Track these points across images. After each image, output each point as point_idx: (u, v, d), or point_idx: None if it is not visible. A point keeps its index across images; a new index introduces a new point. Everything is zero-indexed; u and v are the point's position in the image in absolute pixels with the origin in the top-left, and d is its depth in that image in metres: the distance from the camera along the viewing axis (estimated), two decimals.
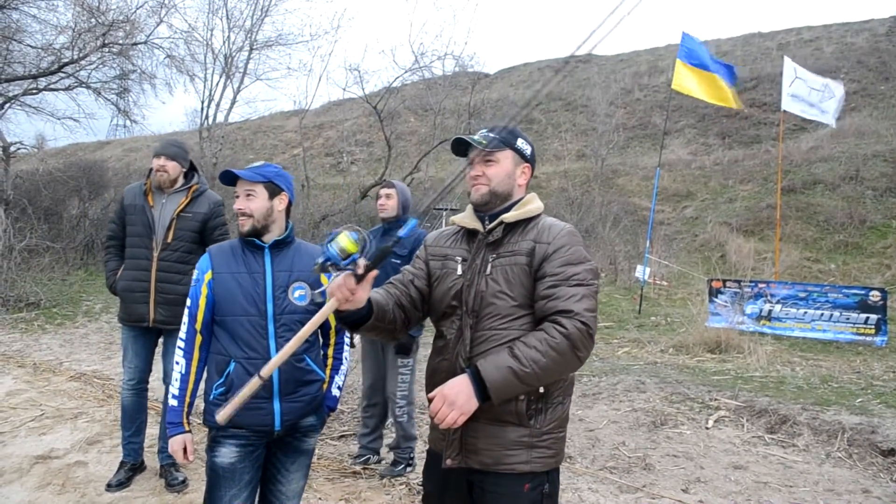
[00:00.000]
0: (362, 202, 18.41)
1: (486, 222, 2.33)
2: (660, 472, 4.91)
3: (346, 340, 3.05)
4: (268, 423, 2.71)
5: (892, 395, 6.65)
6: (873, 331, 9.53)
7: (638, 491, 4.58)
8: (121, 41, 15.54)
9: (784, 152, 16.24)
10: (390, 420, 5.38)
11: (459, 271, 2.33)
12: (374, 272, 2.08)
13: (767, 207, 17.02)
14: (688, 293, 12.97)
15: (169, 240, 4.27)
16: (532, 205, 2.33)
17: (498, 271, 2.23)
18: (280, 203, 2.82)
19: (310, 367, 2.81)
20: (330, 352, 3.01)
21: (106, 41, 14.92)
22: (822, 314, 9.88)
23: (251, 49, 20.40)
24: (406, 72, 19.05)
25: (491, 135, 2.31)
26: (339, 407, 6.04)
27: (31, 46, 14.86)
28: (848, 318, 9.72)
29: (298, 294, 2.77)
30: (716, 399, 6.38)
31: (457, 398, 2.02)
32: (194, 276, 2.80)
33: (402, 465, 4.75)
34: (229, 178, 2.79)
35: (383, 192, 4.82)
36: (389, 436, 5.33)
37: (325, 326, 2.93)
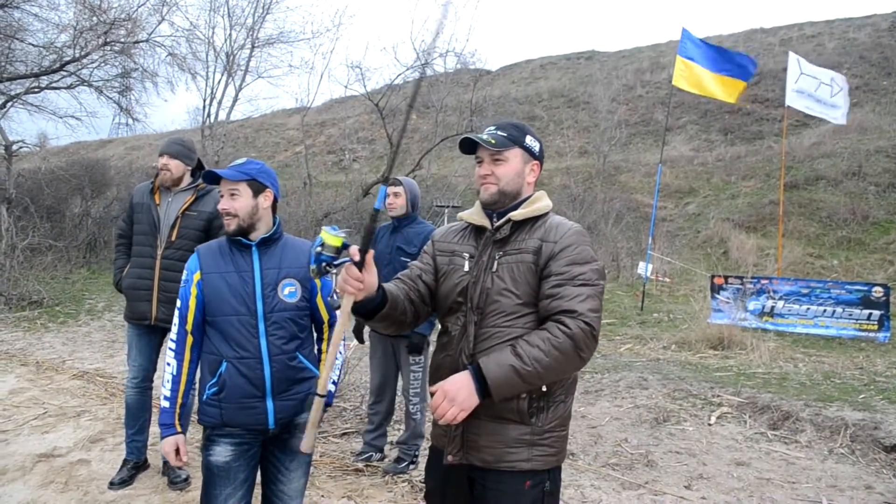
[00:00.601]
0: (364, 199, 18.40)
1: (494, 219, 2.32)
2: (662, 468, 4.91)
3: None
4: (261, 422, 2.70)
5: (895, 391, 6.63)
6: (876, 327, 9.51)
7: (640, 487, 4.58)
8: (122, 39, 15.54)
9: (787, 148, 16.21)
10: (395, 417, 5.40)
11: (466, 268, 2.32)
12: (370, 252, 2.08)
13: (770, 203, 17.00)
14: (690, 290, 12.96)
15: (173, 238, 4.28)
16: (540, 203, 2.31)
17: (504, 269, 2.22)
18: (265, 200, 2.79)
19: (302, 364, 2.80)
20: (324, 347, 2.98)
21: (108, 39, 14.92)
22: (824, 310, 9.87)
23: (253, 47, 20.45)
24: (408, 69, 19.05)
25: (499, 133, 2.30)
26: (342, 405, 6.08)
27: (32, 45, 14.88)
28: (851, 315, 9.71)
29: (288, 291, 2.75)
30: (718, 395, 6.38)
31: (458, 394, 2.01)
32: (183, 277, 2.77)
33: (406, 463, 4.75)
34: (213, 178, 2.78)
35: (391, 189, 4.77)
36: (393, 433, 5.34)
37: (317, 321, 2.92)
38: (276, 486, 2.85)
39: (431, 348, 5.00)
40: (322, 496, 4.30)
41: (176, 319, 2.76)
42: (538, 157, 2.38)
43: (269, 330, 2.70)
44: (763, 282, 10.56)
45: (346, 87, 32.93)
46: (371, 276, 2.10)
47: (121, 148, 32.65)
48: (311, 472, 4.57)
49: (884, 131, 19.73)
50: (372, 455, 4.91)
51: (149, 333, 4.43)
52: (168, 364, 2.77)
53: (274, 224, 2.84)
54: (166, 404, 2.75)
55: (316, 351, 2.96)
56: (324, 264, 2.14)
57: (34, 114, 16.50)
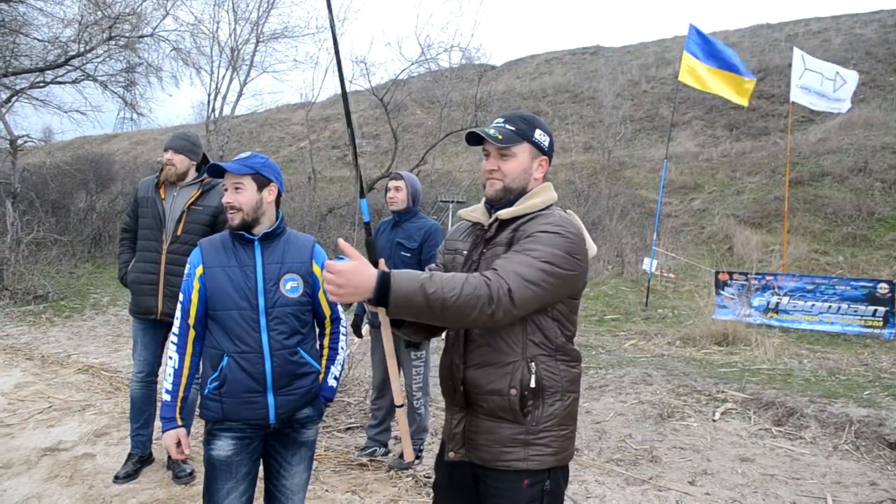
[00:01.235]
0: (369, 194, 18.40)
1: (492, 214, 2.28)
2: (666, 464, 4.91)
3: (343, 330, 3.01)
4: (262, 416, 2.69)
5: None
6: (881, 323, 9.49)
7: (644, 483, 4.58)
8: (127, 34, 15.54)
9: (792, 144, 16.16)
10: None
11: (461, 266, 2.31)
12: (381, 261, 2.09)
13: (775, 199, 16.95)
14: (695, 285, 12.94)
15: (179, 232, 4.29)
16: (537, 199, 2.24)
17: (485, 266, 2.17)
18: (269, 194, 2.79)
19: (304, 359, 2.80)
20: (326, 342, 2.98)
21: (112, 34, 14.91)
22: (829, 306, 9.85)
23: (257, 41, 20.40)
24: (412, 64, 19.03)
25: (507, 126, 2.24)
26: (346, 399, 6.09)
27: (37, 39, 14.88)
28: (856, 311, 9.69)
29: (290, 286, 2.75)
30: (723, 391, 6.38)
31: (354, 278, 1.88)
32: (186, 271, 2.78)
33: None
34: (217, 172, 2.77)
35: (392, 184, 4.78)
36: (397, 428, 5.34)
37: (319, 316, 2.92)
38: (278, 480, 2.85)
39: (432, 344, 5.02)
40: (326, 490, 4.32)
41: (178, 313, 2.76)
42: (547, 152, 2.31)
43: (270, 325, 2.70)
44: (768, 278, 10.54)
45: (350, 81, 32.92)
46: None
47: (125, 143, 32.69)
48: (316, 467, 4.60)
49: (890, 127, 19.64)
50: (376, 450, 4.92)
51: (154, 328, 4.45)
52: (170, 358, 2.77)
53: (277, 218, 2.84)
54: (168, 398, 2.75)
55: (318, 346, 2.95)
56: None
57: (39, 108, 16.54)
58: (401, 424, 2.35)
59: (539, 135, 2.27)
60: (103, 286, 12.37)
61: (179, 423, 2.76)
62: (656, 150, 21.74)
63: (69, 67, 15.26)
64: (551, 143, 2.34)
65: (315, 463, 4.67)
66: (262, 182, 2.76)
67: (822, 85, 12.42)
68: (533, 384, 2.11)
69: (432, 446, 5.13)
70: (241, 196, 2.71)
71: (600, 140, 23.50)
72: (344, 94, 2.40)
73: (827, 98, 12.53)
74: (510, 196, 2.25)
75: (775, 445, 5.27)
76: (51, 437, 5.09)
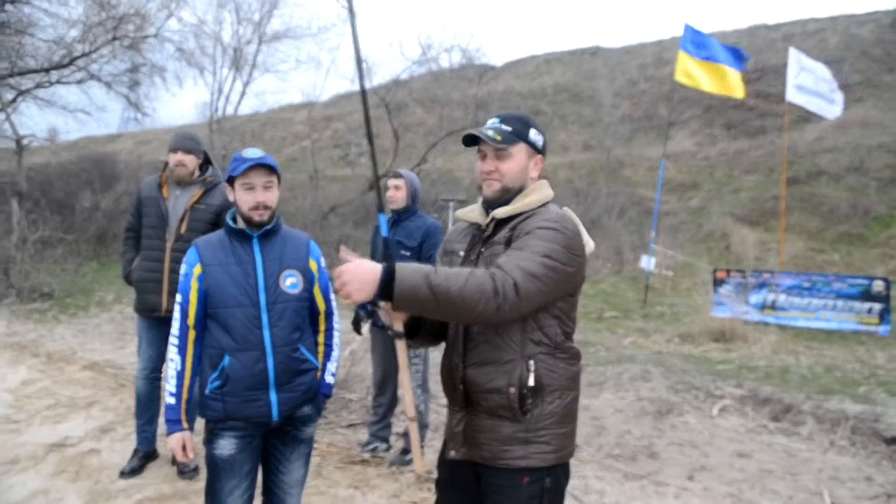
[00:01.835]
0: (370, 193, 18.41)
1: (493, 211, 2.27)
2: (665, 460, 4.95)
3: (336, 326, 3.03)
4: (265, 414, 2.69)
5: (895, 383, 6.68)
6: (877, 320, 9.55)
7: (643, 479, 4.62)
8: (131, 35, 15.54)
9: (789, 143, 16.20)
10: (399, 409, 5.44)
11: (459, 266, 2.29)
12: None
13: (772, 198, 16.98)
14: (693, 283, 12.98)
15: (182, 231, 4.31)
16: (532, 196, 2.24)
17: (483, 264, 2.18)
18: (278, 191, 2.80)
19: (304, 356, 2.80)
20: (320, 338, 2.98)
21: (116, 35, 14.91)
22: (825, 304, 9.90)
23: (260, 42, 20.40)
24: (413, 64, 19.05)
25: (504, 127, 2.24)
26: (348, 396, 6.13)
27: (42, 40, 14.86)
28: (851, 308, 9.75)
29: (290, 282, 2.75)
30: (720, 388, 6.42)
31: (359, 275, 1.93)
32: (182, 271, 2.73)
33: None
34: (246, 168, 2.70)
35: (392, 182, 4.77)
36: (398, 424, 5.38)
37: (314, 312, 2.92)
38: (276, 476, 2.86)
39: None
40: (329, 486, 4.34)
41: (177, 314, 2.73)
42: (542, 150, 2.32)
43: (272, 321, 2.69)
44: (765, 275, 10.60)
45: (352, 81, 32.90)
46: None
47: (130, 142, 32.62)
48: (319, 463, 4.63)
49: (886, 126, 19.65)
50: (378, 446, 4.94)
51: (158, 325, 4.47)
52: (171, 360, 2.74)
53: (276, 214, 2.83)
54: (172, 401, 2.72)
55: (313, 343, 2.95)
56: (370, 306, 2.18)
57: (44, 108, 16.50)
58: (413, 438, 2.36)
59: (534, 134, 2.28)
60: (108, 284, 12.40)
61: (185, 426, 2.74)
62: (654, 149, 21.73)
63: (74, 68, 15.24)
64: (545, 141, 2.35)
65: (318, 459, 4.71)
66: (279, 178, 2.79)
67: (816, 84, 12.48)
68: (532, 382, 2.11)
69: (433, 443, 5.15)
70: (272, 194, 2.72)
71: (599, 139, 23.51)
72: (365, 107, 2.38)
73: (822, 97, 12.58)
74: (508, 196, 2.25)
75: (772, 441, 5.31)
76: (57, 433, 5.11)
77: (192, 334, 2.73)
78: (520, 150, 2.25)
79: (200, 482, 4.31)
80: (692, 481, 4.61)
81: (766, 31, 32.49)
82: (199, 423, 4.55)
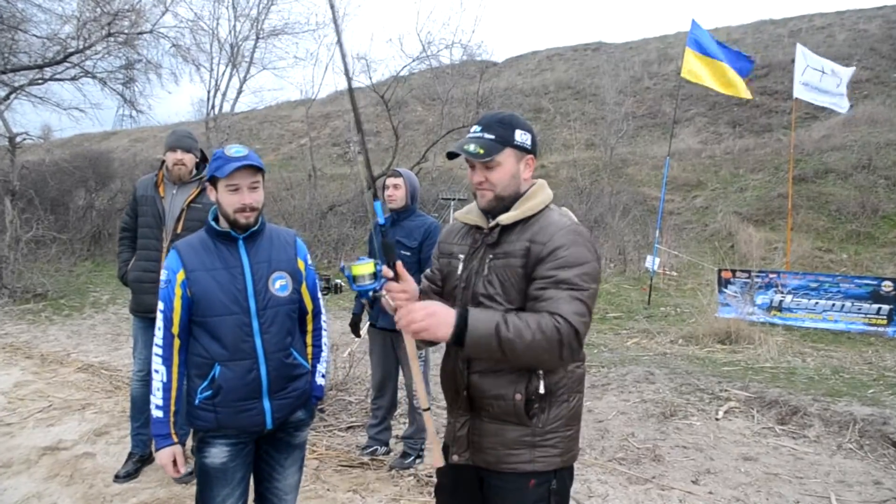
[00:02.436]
0: (368, 192, 18.39)
1: (490, 218, 2.23)
2: (669, 463, 4.89)
3: (324, 325, 2.94)
4: (259, 422, 2.60)
5: None
6: (885, 321, 9.46)
7: (647, 482, 4.56)
8: (126, 31, 15.51)
9: (795, 141, 16.11)
10: (398, 411, 5.38)
11: (460, 270, 2.27)
12: (399, 263, 2.10)
13: (778, 197, 16.93)
14: (697, 283, 12.93)
15: (178, 230, 4.29)
16: (535, 200, 2.20)
17: (494, 274, 2.15)
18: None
19: (297, 360, 2.71)
20: (308, 339, 2.89)
21: (111, 31, 14.88)
22: (833, 304, 9.82)
23: (257, 38, 20.40)
24: (413, 60, 18.99)
25: (486, 135, 2.17)
26: (347, 398, 6.07)
27: (36, 36, 14.84)
28: (860, 309, 9.66)
29: (280, 285, 2.63)
30: (726, 390, 6.35)
31: (437, 318, 1.96)
32: (163, 277, 2.58)
33: (412, 458, 4.74)
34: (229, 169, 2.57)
35: (390, 181, 4.70)
36: (398, 427, 5.33)
37: (302, 311, 2.81)
38: (270, 483, 2.78)
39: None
40: (328, 489, 4.30)
41: (160, 323, 2.59)
42: (531, 150, 2.24)
43: (263, 328, 2.58)
44: (771, 276, 10.51)
45: (350, 78, 32.83)
46: (410, 284, 2.13)
47: (125, 140, 32.71)
48: (317, 466, 4.59)
49: (894, 124, 19.59)
50: (377, 449, 4.90)
51: (154, 326, 4.42)
52: (156, 371, 2.59)
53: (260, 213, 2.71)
54: (159, 414, 2.58)
55: (302, 345, 2.86)
56: (371, 293, 2.15)
57: (38, 105, 16.49)
58: (429, 429, 2.29)
59: (520, 135, 2.20)
60: (103, 284, 12.37)
61: (175, 439, 2.61)
62: (659, 147, 21.71)
63: (68, 64, 15.22)
64: (534, 139, 2.26)
65: (316, 462, 4.67)
66: (264, 177, 2.68)
67: (821, 81, 12.39)
68: (542, 390, 2.09)
69: (431, 445, 5.10)
70: (258, 195, 2.60)
71: (602, 137, 23.47)
72: (353, 100, 2.33)
73: (830, 94, 12.50)
74: (504, 203, 2.20)
75: (779, 444, 5.24)
76: (51, 436, 5.08)
77: (177, 343, 2.60)
78: (507, 156, 2.18)
79: (196, 486, 4.27)
80: (697, 485, 4.55)
81: (773, 26, 32.50)
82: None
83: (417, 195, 4.79)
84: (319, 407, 5.70)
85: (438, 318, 1.96)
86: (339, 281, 4.56)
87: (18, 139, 14.35)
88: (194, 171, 4.46)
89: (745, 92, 12.37)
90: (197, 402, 2.58)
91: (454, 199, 16.31)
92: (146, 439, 4.52)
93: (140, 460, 4.48)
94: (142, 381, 4.46)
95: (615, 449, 5.14)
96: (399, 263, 2.09)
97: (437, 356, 2.72)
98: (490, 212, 2.23)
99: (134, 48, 16.46)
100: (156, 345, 2.60)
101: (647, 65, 30.72)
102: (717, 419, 5.74)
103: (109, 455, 4.79)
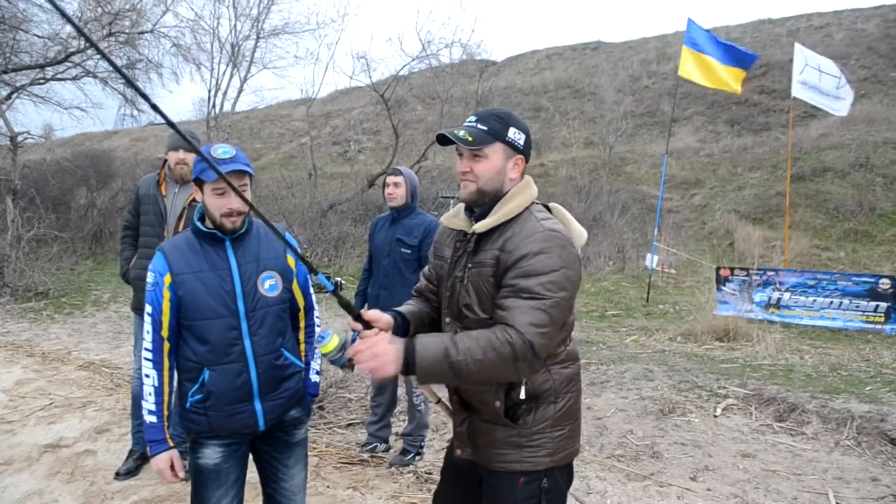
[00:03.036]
0: (370, 190, 18.39)
1: (473, 221, 2.19)
2: (668, 460, 4.90)
3: (317, 321, 2.89)
4: (251, 425, 2.58)
5: None
6: (883, 319, 9.48)
7: (646, 479, 4.57)
8: (127, 30, 15.53)
9: (793, 140, 16.11)
10: (398, 409, 5.40)
11: (446, 277, 2.28)
12: (363, 311, 2.07)
13: (776, 195, 16.91)
14: (696, 281, 12.92)
15: (180, 229, 4.31)
16: (512, 203, 2.13)
17: (470, 283, 2.14)
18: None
19: (288, 360, 2.68)
20: (301, 336, 2.86)
21: (112, 30, 14.90)
22: (831, 302, 9.83)
23: (258, 37, 20.34)
24: (413, 60, 18.99)
25: (479, 126, 2.14)
26: (347, 395, 6.08)
27: (37, 36, 14.87)
28: (857, 306, 9.67)
29: (269, 284, 2.58)
30: (724, 387, 6.36)
31: (385, 359, 1.95)
32: (150, 280, 2.53)
33: (412, 455, 4.76)
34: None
35: (391, 179, 4.72)
36: (398, 424, 5.35)
37: (293, 309, 2.78)
38: (277, 484, 2.76)
39: None
40: (328, 486, 4.31)
41: (148, 326, 2.53)
42: (523, 150, 2.19)
43: (252, 329, 2.53)
44: (769, 273, 10.52)
45: (351, 77, 32.96)
46: (379, 320, 2.10)
47: (126, 139, 32.65)
48: (317, 464, 4.60)
49: (892, 122, 19.57)
50: (377, 446, 4.92)
51: None
52: (147, 376, 2.53)
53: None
54: (153, 419, 2.52)
55: (294, 343, 2.82)
56: (348, 361, 2.12)
57: (39, 105, 16.53)
58: (443, 409, 2.34)
59: (514, 133, 2.16)
60: (104, 283, 12.37)
61: (170, 443, 2.55)
62: (657, 146, 21.68)
63: (69, 64, 15.24)
64: (527, 140, 2.21)
65: (316, 459, 4.68)
66: (252, 179, 2.62)
67: (820, 81, 12.39)
68: (523, 395, 2.09)
69: (433, 442, 5.13)
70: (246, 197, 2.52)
71: (601, 135, 23.43)
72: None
73: (828, 95, 12.50)
74: (485, 199, 2.17)
75: (777, 441, 5.25)
76: (52, 434, 5.10)
77: (166, 346, 2.55)
78: (495, 150, 2.14)
79: None
80: (695, 481, 4.56)
81: (771, 25, 32.45)
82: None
83: (417, 193, 4.81)
84: (319, 404, 5.72)
85: (383, 357, 1.94)
86: (339, 279, 4.58)
87: (20, 138, 14.37)
88: None
89: (737, 85, 12.34)
90: (188, 405, 2.56)
91: (454, 198, 16.30)
92: None
93: (141, 458, 4.49)
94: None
95: (614, 446, 5.16)
96: (363, 311, 2.06)
97: None
98: (471, 205, 2.22)
99: (135, 48, 16.48)
100: (145, 349, 2.55)
101: (645, 64, 30.68)
102: (715, 416, 5.76)
103: (110, 452, 4.80)
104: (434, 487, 2.52)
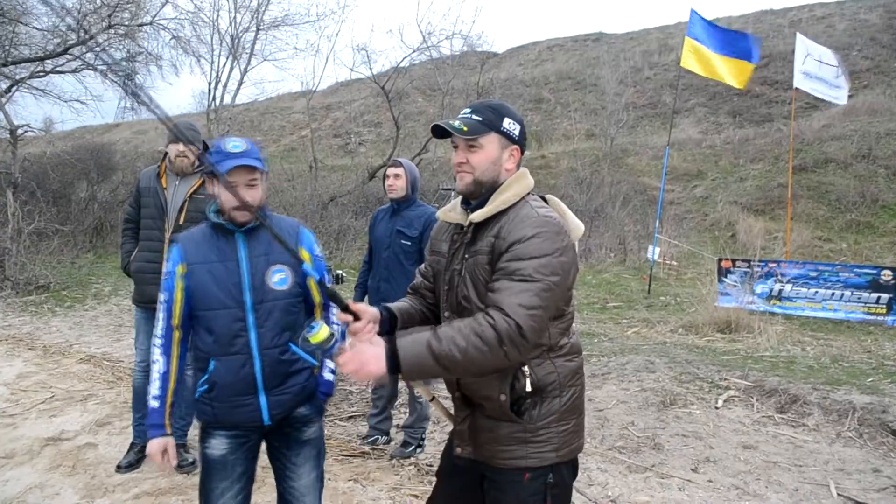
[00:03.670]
0: (370, 183, 18.36)
1: (469, 213, 2.18)
2: (669, 451, 4.91)
3: (334, 318, 2.80)
4: (255, 418, 2.58)
5: None
6: (885, 310, 9.46)
7: (647, 471, 4.58)
8: (126, 22, 15.49)
9: (796, 131, 16.07)
10: (399, 401, 5.40)
11: (444, 271, 2.27)
12: (349, 302, 2.07)
13: (778, 186, 16.88)
14: (697, 273, 12.90)
15: (181, 221, 4.34)
16: (508, 192, 2.14)
17: (467, 273, 2.14)
18: (266, 184, 2.65)
19: (296, 355, 2.65)
20: None
21: (111, 23, 14.86)
22: (833, 294, 9.81)
23: (258, 29, 20.30)
24: (414, 51, 18.93)
25: (474, 117, 2.15)
26: (347, 388, 6.08)
27: (36, 29, 14.82)
28: (859, 298, 9.65)
29: (278, 278, 2.58)
30: (725, 379, 6.36)
31: (367, 361, 1.93)
32: (166, 269, 2.59)
33: (413, 447, 4.76)
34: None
35: (391, 171, 4.72)
36: (399, 417, 5.35)
37: (308, 305, 2.76)
38: (286, 482, 2.75)
39: None
40: (329, 479, 4.30)
41: (160, 314, 2.59)
42: (518, 140, 2.20)
43: (258, 322, 2.53)
44: (771, 265, 10.50)
45: (351, 69, 32.84)
46: (366, 312, 2.08)
47: (127, 132, 32.64)
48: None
49: (894, 113, 19.51)
50: (378, 438, 4.92)
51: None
52: (155, 361, 2.60)
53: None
54: (155, 404, 2.58)
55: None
56: (337, 348, 2.12)
57: (39, 98, 16.48)
58: (439, 413, 2.33)
59: (508, 123, 2.17)
60: (105, 276, 12.38)
61: (168, 430, 2.60)
62: (659, 138, 21.64)
63: (69, 56, 15.20)
64: (523, 131, 2.23)
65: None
66: (264, 174, 2.63)
67: (820, 70, 12.35)
68: (529, 388, 2.07)
69: (434, 434, 5.13)
70: (256, 192, 2.55)
71: (603, 127, 23.38)
72: None
73: (828, 84, 12.46)
74: (481, 189, 2.17)
75: (778, 433, 5.25)
76: (53, 427, 5.11)
77: (177, 335, 2.60)
78: (491, 140, 2.15)
79: (198, 476, 4.27)
80: (697, 473, 4.57)
81: (773, 16, 32.35)
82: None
83: (418, 185, 4.80)
84: None
85: (364, 357, 1.93)
86: (340, 272, 4.57)
87: (20, 132, 14.33)
88: (197, 163, 4.48)
89: (743, 81, 12.30)
90: (197, 395, 2.59)
91: (454, 190, 16.29)
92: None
93: (142, 450, 4.49)
94: (144, 371, 4.48)
95: (615, 438, 5.16)
96: (351, 302, 2.06)
97: None
98: (468, 196, 2.22)
99: (135, 40, 16.43)
100: (155, 335, 2.61)
101: (647, 55, 30.58)
102: (716, 408, 5.76)
103: (111, 445, 4.81)
104: (436, 475, 2.49)
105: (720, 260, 11.02)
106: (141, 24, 16.16)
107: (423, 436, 4.88)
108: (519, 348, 1.93)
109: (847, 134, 18.72)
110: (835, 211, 15.94)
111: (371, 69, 18.89)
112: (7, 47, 14.23)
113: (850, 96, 13.62)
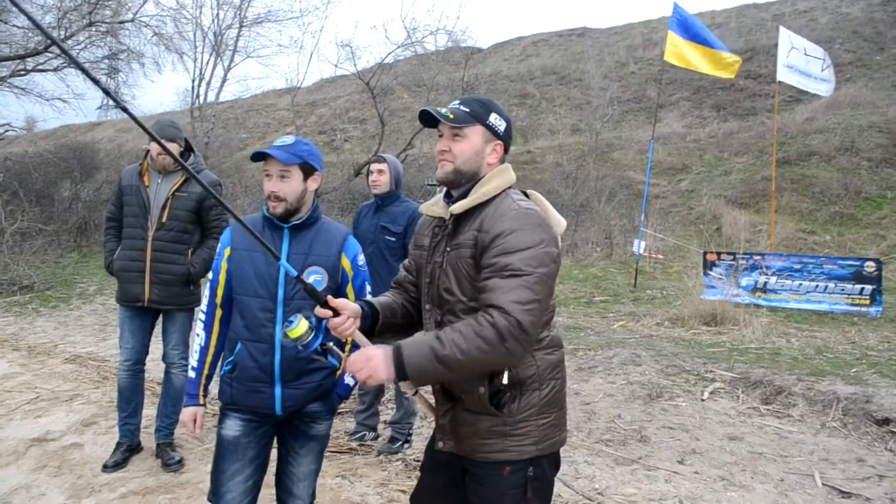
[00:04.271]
0: (356, 179, 18.33)
1: (451, 206, 2.20)
2: (655, 444, 4.93)
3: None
4: (268, 406, 2.66)
5: (887, 364, 6.67)
6: (868, 301, 9.55)
7: (634, 463, 4.60)
8: (108, 19, 15.36)
9: (779, 124, 16.17)
10: (386, 397, 5.40)
11: (425, 265, 2.28)
12: (329, 298, 2.12)
13: (762, 179, 16.98)
14: (683, 266, 12.97)
15: (164, 219, 4.31)
16: (489, 185, 2.15)
17: (449, 266, 2.15)
18: (313, 183, 2.73)
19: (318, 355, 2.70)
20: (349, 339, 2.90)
21: (93, 20, 14.74)
22: (817, 285, 9.89)
23: (241, 26, 20.26)
24: (398, 47, 18.91)
25: (461, 108, 2.18)
26: None
27: (17, 27, 14.67)
28: (843, 289, 9.74)
29: (313, 279, 2.63)
30: (711, 371, 6.40)
31: (376, 365, 1.96)
32: (217, 249, 2.77)
33: (400, 442, 4.76)
34: (260, 157, 2.68)
35: (375, 167, 4.72)
36: (385, 412, 5.35)
37: None
38: (285, 466, 2.84)
39: None
40: None
41: (207, 291, 2.76)
42: (503, 136, 2.23)
43: (286, 317, 2.58)
44: (756, 258, 10.57)
45: (336, 66, 32.76)
46: (346, 307, 2.12)
47: (110, 130, 32.40)
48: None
49: (877, 106, 19.68)
50: (365, 434, 4.92)
51: (141, 315, 4.44)
52: (197, 335, 2.79)
53: (313, 207, 2.77)
54: (192, 374, 2.78)
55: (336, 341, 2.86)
56: (319, 347, 2.17)
57: (21, 97, 16.34)
58: (423, 407, 2.35)
59: (495, 119, 2.21)
60: (90, 275, 12.29)
61: (202, 401, 2.80)
62: (644, 132, 21.70)
63: (50, 54, 15.06)
64: (508, 128, 2.26)
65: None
66: (307, 171, 2.69)
67: (807, 65, 12.43)
68: (506, 381, 2.07)
69: (421, 430, 5.13)
70: (286, 185, 2.63)
71: (588, 122, 23.45)
72: None
73: (813, 77, 12.54)
74: (461, 179, 2.19)
75: (763, 424, 5.30)
76: (38, 428, 5.06)
77: (219, 312, 2.77)
78: (475, 131, 2.18)
79: (185, 474, 4.29)
80: (683, 465, 4.60)
81: (756, 10, 32.52)
82: (212, 406, 4.54)
83: (402, 181, 4.80)
84: None
85: (373, 362, 1.96)
86: None
87: (1, 131, 14.24)
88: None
89: (731, 71, 12.35)
90: (221, 373, 2.72)
91: (440, 186, 16.28)
92: (134, 429, 4.53)
93: (128, 450, 4.47)
94: (128, 370, 4.46)
95: (602, 430, 5.19)
96: (330, 298, 2.09)
97: None
98: (447, 185, 2.24)
99: (116, 38, 16.32)
100: (201, 311, 2.79)
101: (631, 50, 30.68)
102: (702, 400, 5.80)
103: (98, 445, 4.77)
104: (420, 471, 2.50)
105: (705, 253, 11.08)
106: (122, 22, 16.03)
107: (411, 431, 4.88)
108: (522, 344, 1.94)
109: (830, 127, 18.86)
110: (818, 203, 16.06)
111: (356, 65, 18.98)
112: None
113: (836, 88, 13.70)
